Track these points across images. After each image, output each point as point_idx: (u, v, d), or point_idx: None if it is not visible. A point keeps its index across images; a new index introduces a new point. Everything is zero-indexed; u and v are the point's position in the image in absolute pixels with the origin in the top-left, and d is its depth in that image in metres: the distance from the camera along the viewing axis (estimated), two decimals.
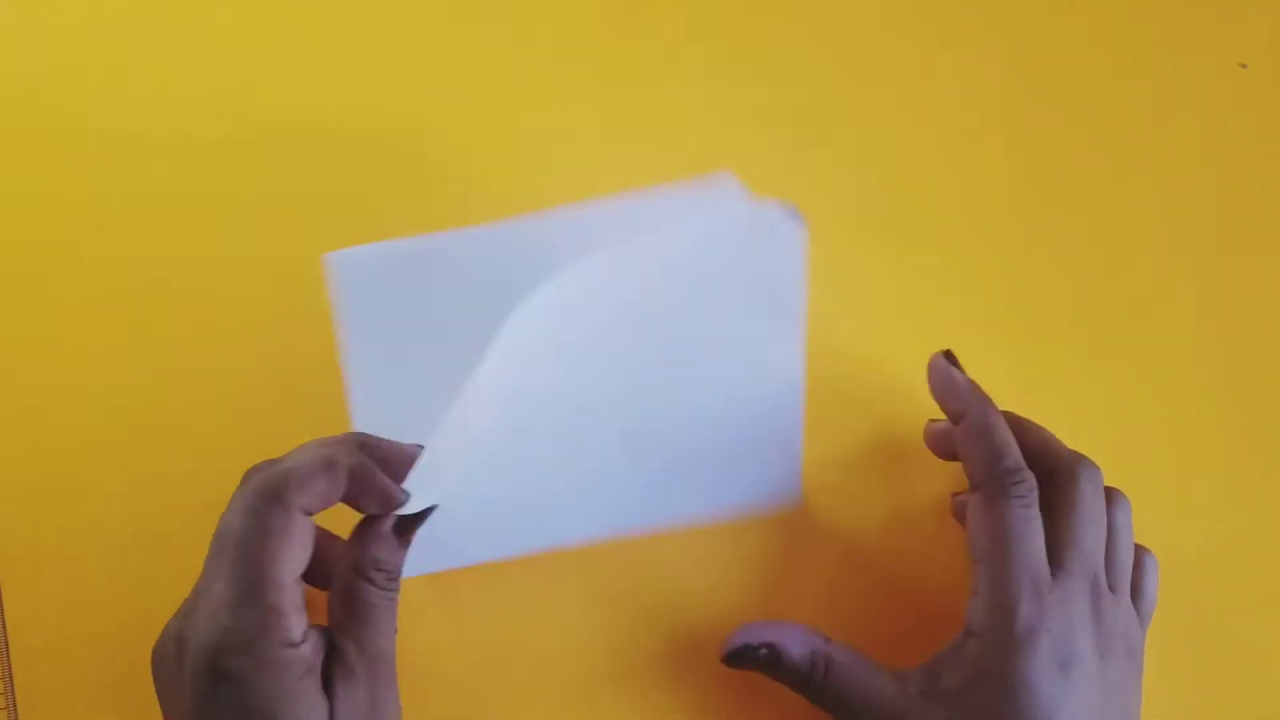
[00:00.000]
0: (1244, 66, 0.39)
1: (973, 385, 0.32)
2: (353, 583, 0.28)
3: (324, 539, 0.29)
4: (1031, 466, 0.31)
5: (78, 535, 0.36)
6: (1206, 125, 0.39)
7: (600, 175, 0.37)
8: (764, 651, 0.31)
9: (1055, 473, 0.32)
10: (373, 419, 0.29)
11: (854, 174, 0.38)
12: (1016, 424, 0.32)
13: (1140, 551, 0.33)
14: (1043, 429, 0.33)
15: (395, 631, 0.28)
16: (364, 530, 0.29)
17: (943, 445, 0.34)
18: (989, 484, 0.30)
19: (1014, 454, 0.31)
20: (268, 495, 0.26)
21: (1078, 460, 0.32)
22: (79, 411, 0.36)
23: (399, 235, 0.30)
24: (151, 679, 0.29)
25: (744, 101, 0.39)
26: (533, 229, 0.29)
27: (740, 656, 0.32)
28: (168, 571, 0.35)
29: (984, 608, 0.29)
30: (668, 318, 0.30)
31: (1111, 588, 0.31)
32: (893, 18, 0.39)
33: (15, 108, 0.38)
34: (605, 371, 0.30)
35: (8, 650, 0.36)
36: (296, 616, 0.26)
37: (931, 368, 0.33)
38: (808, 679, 0.31)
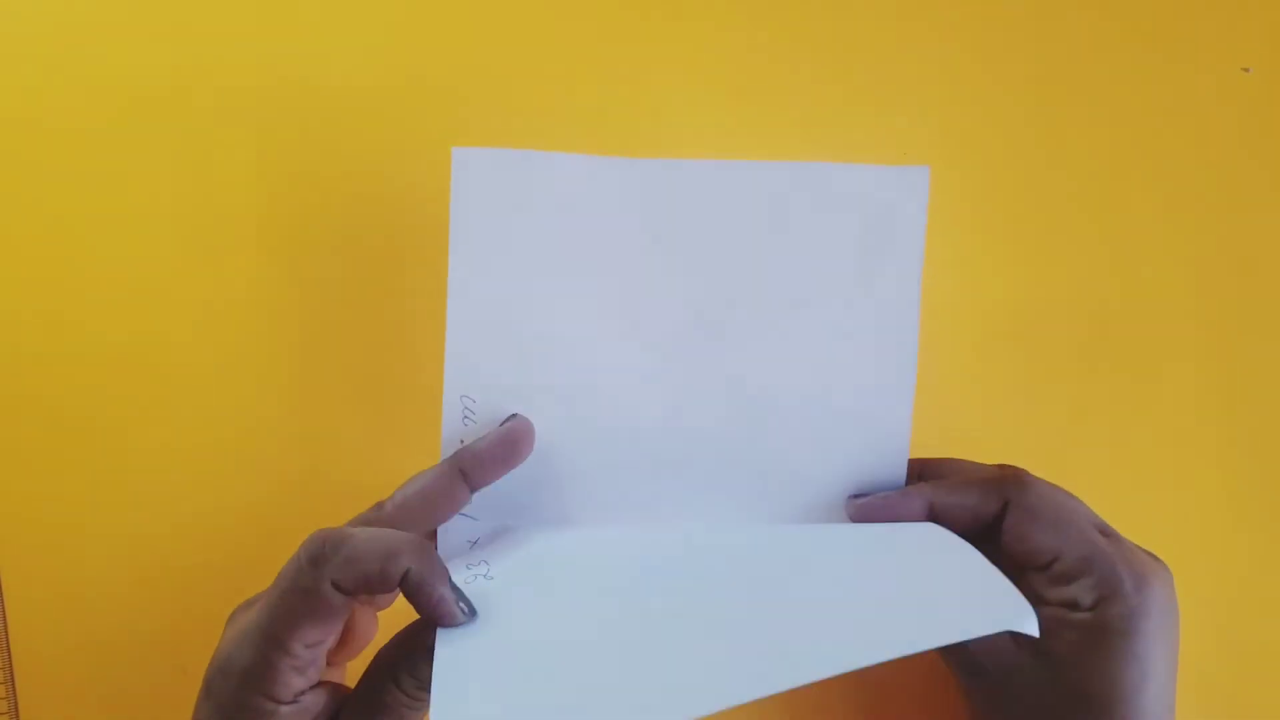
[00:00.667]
0: (1247, 70, 0.39)
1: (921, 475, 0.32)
2: (382, 682, 0.27)
3: (364, 619, 0.29)
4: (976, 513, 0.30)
5: (79, 536, 0.36)
6: (1210, 129, 0.39)
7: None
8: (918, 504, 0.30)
9: (999, 509, 0.30)
10: (466, 330, 0.28)
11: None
12: (929, 467, 0.33)
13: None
14: (958, 487, 0.31)
15: None
16: (411, 635, 0.27)
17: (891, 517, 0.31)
18: (1019, 495, 0.29)
19: (981, 469, 0.32)
20: (314, 563, 0.26)
21: (1003, 473, 0.31)
22: (81, 412, 0.37)
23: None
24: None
25: (748, 92, 0.39)
26: (663, 174, 0.28)
27: (888, 509, 0.30)
28: (168, 572, 0.36)
29: (1090, 585, 0.28)
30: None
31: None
32: (899, 19, 0.39)
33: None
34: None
35: (9, 649, 0.36)
36: (293, 677, 0.26)
37: (862, 513, 0.30)
38: None
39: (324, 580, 0.25)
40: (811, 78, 0.39)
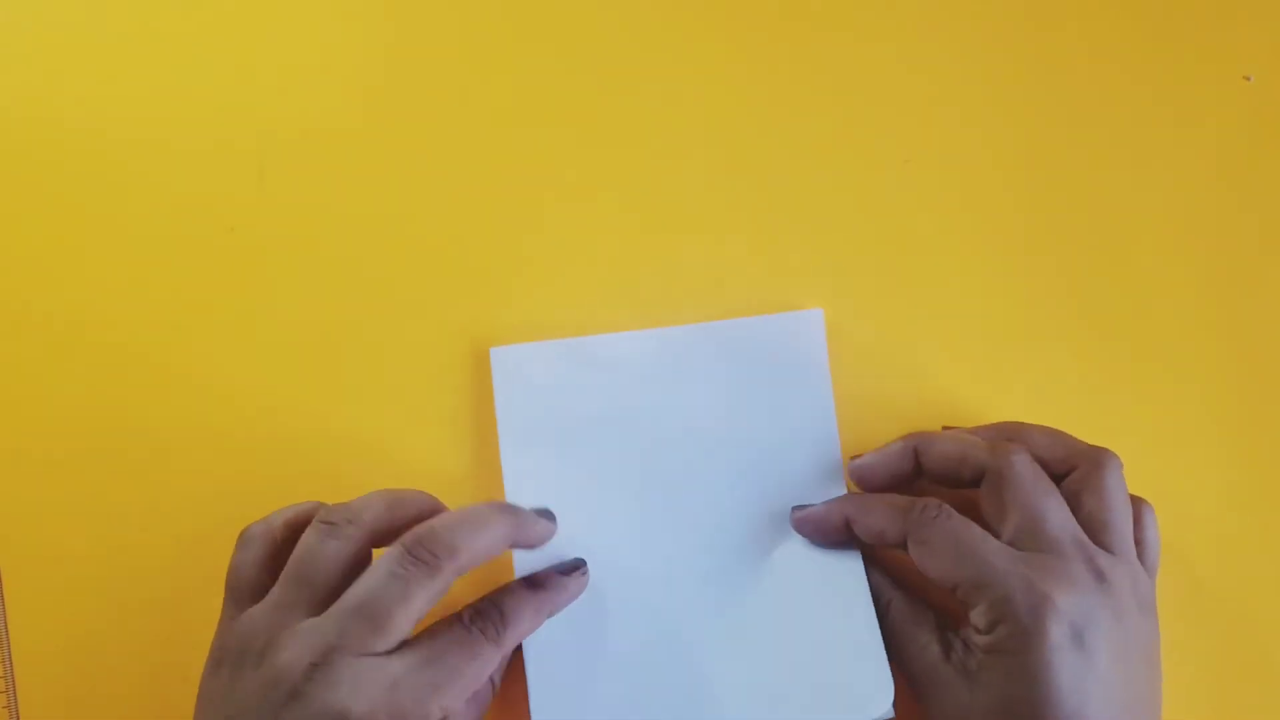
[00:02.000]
0: (1249, 78, 0.39)
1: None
2: None
3: None
4: (958, 474, 0.32)
5: (80, 535, 0.36)
6: (1211, 136, 0.39)
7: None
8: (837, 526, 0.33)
9: (982, 473, 0.32)
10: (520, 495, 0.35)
11: (864, 186, 0.38)
12: (923, 441, 0.33)
13: (1137, 504, 0.33)
14: (953, 433, 0.34)
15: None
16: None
17: (819, 531, 0.34)
18: (914, 528, 0.31)
19: (898, 500, 0.32)
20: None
21: (993, 450, 0.32)
22: (84, 413, 0.37)
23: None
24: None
25: (749, 108, 0.39)
26: (659, 340, 0.36)
27: (816, 521, 0.34)
28: (169, 572, 0.36)
29: (986, 609, 0.29)
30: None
31: (1110, 549, 0.31)
32: (898, 26, 0.39)
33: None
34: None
35: (9, 648, 0.36)
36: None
37: (800, 524, 0.34)
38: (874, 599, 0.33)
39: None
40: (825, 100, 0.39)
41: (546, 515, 0.32)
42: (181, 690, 0.34)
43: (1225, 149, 0.39)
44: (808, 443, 0.35)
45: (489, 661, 0.29)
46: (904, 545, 0.31)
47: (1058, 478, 0.32)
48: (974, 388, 0.37)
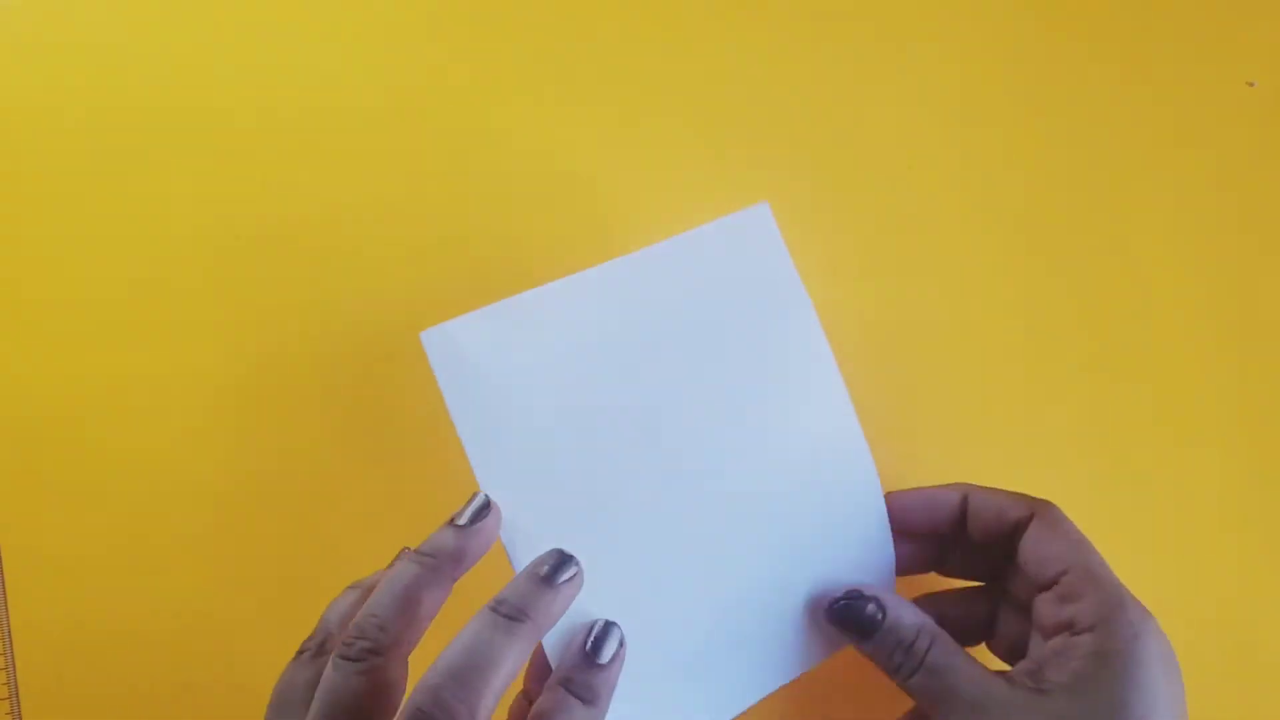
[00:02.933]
0: (1252, 84, 0.39)
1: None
2: None
3: None
4: (987, 531, 0.32)
5: (82, 535, 0.37)
6: (1215, 142, 0.38)
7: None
8: (871, 607, 0.30)
9: (1020, 525, 0.31)
10: (495, 483, 0.31)
11: (866, 190, 0.39)
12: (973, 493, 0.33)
13: None
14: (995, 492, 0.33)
15: None
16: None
17: (927, 512, 0.33)
18: (1045, 508, 0.30)
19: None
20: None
21: (1035, 503, 0.32)
22: (89, 420, 0.38)
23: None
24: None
25: (748, 105, 0.39)
26: (599, 278, 0.31)
27: (846, 609, 0.31)
28: (170, 572, 0.37)
29: (1094, 604, 0.28)
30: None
31: None
32: (902, 32, 0.39)
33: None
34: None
35: (11, 646, 0.37)
36: None
37: (900, 507, 0.33)
38: (910, 648, 0.29)
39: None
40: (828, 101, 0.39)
41: (480, 514, 0.29)
42: (188, 707, 0.36)
43: (1228, 154, 0.38)
44: (792, 346, 0.32)
45: None
46: (1016, 531, 0.31)
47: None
48: (974, 392, 0.38)
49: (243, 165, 0.38)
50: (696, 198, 0.38)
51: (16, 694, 0.36)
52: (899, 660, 0.30)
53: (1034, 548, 0.30)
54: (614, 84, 0.39)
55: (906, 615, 0.30)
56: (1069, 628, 0.28)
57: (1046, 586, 0.30)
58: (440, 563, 0.28)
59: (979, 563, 0.33)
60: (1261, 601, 0.37)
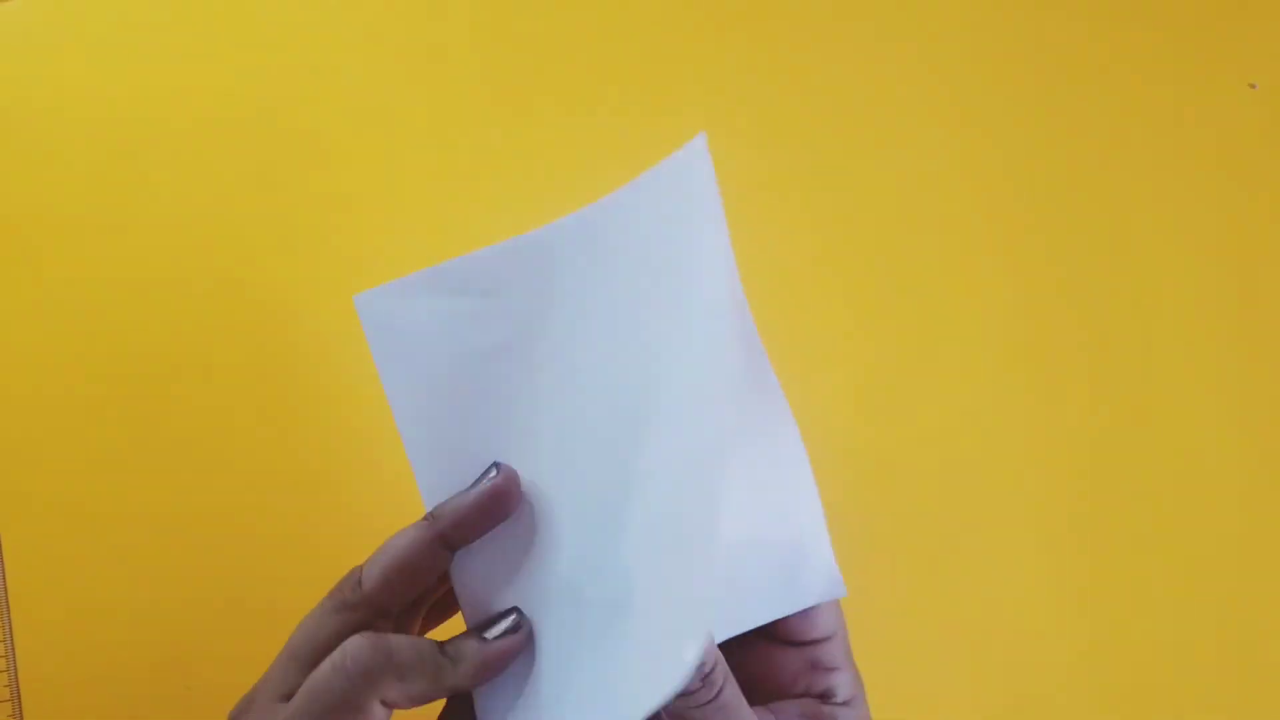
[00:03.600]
0: (1254, 86, 0.38)
1: None
2: None
3: None
4: None
5: (84, 536, 0.37)
6: (1216, 144, 0.38)
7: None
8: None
9: None
10: (427, 457, 0.30)
11: (867, 191, 0.39)
12: None
13: None
14: None
15: None
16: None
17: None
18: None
19: None
20: (366, 678, 0.25)
21: None
22: (92, 423, 0.38)
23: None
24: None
25: (739, 99, 0.39)
26: (536, 241, 0.30)
27: None
28: (171, 571, 0.37)
29: (851, 680, 0.29)
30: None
31: None
32: (902, 35, 0.39)
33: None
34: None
35: (13, 648, 0.37)
36: None
37: None
38: (708, 679, 0.27)
39: (375, 697, 0.25)
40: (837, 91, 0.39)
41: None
42: (188, 708, 0.36)
43: (1230, 157, 0.38)
44: (709, 297, 0.29)
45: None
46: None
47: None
48: (975, 390, 0.38)
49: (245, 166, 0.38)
50: None
51: (19, 696, 0.36)
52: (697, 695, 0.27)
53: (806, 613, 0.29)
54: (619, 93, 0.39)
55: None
56: (825, 697, 0.29)
57: (811, 644, 0.29)
58: (441, 526, 0.27)
59: None
60: (1261, 599, 0.37)
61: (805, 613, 0.29)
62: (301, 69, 0.39)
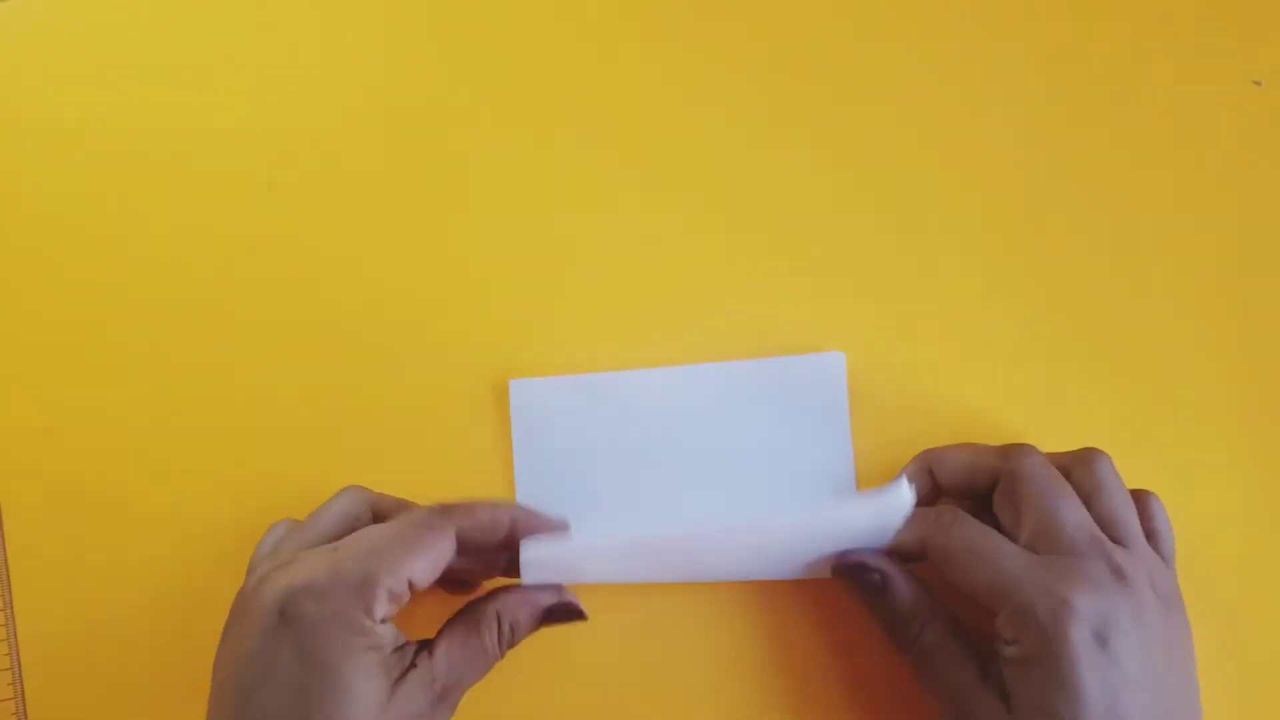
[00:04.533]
0: (1259, 83, 0.38)
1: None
2: (482, 623, 0.31)
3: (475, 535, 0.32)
4: (972, 483, 0.32)
5: (89, 539, 0.38)
6: (1221, 142, 0.37)
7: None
8: (877, 576, 0.32)
9: (996, 479, 0.32)
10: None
11: (865, 183, 0.38)
12: (934, 457, 0.34)
13: (1142, 495, 0.32)
14: (963, 445, 0.34)
15: (480, 677, 0.31)
16: (523, 593, 0.32)
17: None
18: (932, 537, 0.31)
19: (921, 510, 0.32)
20: (444, 513, 0.30)
21: (1005, 454, 0.32)
22: (90, 414, 0.39)
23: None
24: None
25: (754, 109, 0.39)
26: (677, 378, 0.36)
27: (854, 570, 0.32)
28: (172, 570, 0.38)
29: (1007, 617, 0.29)
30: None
31: (1123, 543, 0.30)
32: (906, 28, 0.39)
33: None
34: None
35: (17, 649, 0.38)
36: (386, 602, 0.29)
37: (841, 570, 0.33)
38: (906, 624, 0.31)
39: (451, 526, 0.30)
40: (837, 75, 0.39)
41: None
42: (191, 685, 0.36)
43: (1235, 155, 0.37)
44: (823, 483, 0.35)
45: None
46: (924, 558, 0.31)
47: None
48: (993, 413, 0.37)
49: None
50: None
51: (22, 695, 0.37)
52: (898, 633, 0.31)
53: (942, 580, 0.31)
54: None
55: (904, 591, 0.31)
56: (1001, 638, 0.29)
57: (977, 604, 0.30)
58: (453, 513, 0.31)
59: None
60: (1262, 598, 0.36)
61: (947, 582, 0.30)
62: (300, 67, 0.39)
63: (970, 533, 0.30)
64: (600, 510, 0.36)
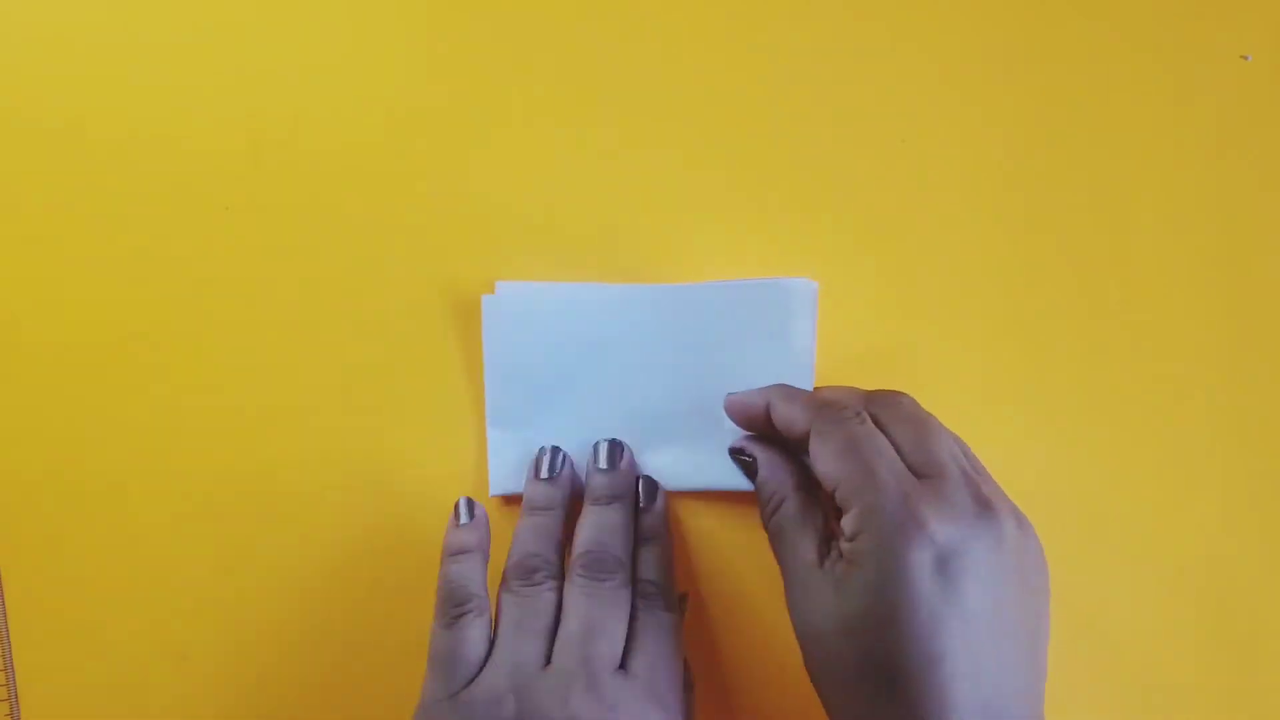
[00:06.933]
0: (1247, 58, 0.37)
1: (762, 391, 0.35)
2: None
3: None
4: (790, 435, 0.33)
5: (82, 538, 0.38)
6: (1209, 117, 0.37)
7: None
8: (750, 459, 0.35)
9: (870, 403, 0.32)
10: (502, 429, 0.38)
11: (856, 171, 0.38)
12: (776, 396, 0.34)
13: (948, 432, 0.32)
14: (805, 396, 0.34)
15: None
16: None
17: (743, 414, 0.35)
18: (818, 422, 0.31)
19: (829, 396, 0.32)
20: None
21: (872, 396, 0.32)
22: (80, 406, 0.38)
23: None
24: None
25: (745, 99, 0.39)
26: (648, 295, 0.37)
27: (734, 454, 0.36)
28: (169, 560, 0.38)
29: (855, 515, 0.29)
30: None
31: (977, 473, 0.31)
32: (896, 16, 0.38)
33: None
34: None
35: (9, 648, 0.37)
36: None
37: (729, 406, 0.35)
38: (766, 501, 0.33)
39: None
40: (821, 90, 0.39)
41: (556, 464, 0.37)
42: (183, 676, 0.37)
43: (1224, 129, 0.37)
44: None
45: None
46: (805, 444, 0.32)
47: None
48: (972, 386, 0.37)
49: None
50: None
51: (15, 695, 0.37)
52: (761, 510, 0.34)
53: (814, 463, 0.31)
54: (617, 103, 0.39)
55: (768, 474, 0.34)
56: (844, 534, 0.29)
57: (831, 495, 0.30)
58: (554, 507, 0.35)
59: None
60: (1262, 596, 0.36)
61: (819, 472, 0.31)
62: (297, 67, 0.39)
63: (858, 431, 0.30)
64: (565, 413, 0.37)
